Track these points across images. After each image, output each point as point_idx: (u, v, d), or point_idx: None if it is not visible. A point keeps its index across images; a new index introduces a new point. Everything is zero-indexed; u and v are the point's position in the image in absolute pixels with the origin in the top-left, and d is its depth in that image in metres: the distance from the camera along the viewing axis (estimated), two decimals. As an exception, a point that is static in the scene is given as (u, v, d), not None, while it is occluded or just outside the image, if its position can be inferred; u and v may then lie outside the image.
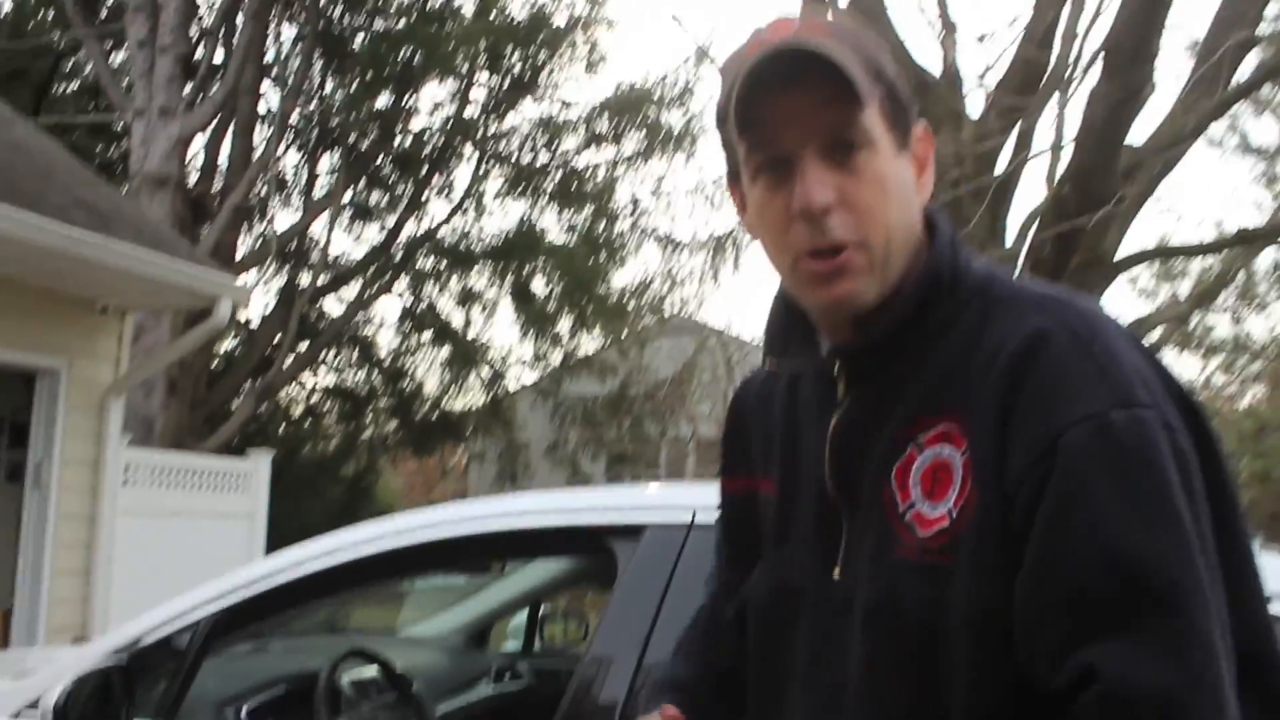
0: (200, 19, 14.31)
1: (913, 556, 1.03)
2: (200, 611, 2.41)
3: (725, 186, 1.24)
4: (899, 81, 1.13)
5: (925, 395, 1.07)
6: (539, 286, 15.84)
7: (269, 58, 14.15)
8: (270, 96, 14.47)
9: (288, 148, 14.70)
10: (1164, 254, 10.95)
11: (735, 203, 1.21)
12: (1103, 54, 5.37)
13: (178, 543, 8.39)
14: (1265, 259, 14.64)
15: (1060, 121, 7.48)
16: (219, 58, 13.55)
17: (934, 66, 7.67)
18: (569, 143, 15.67)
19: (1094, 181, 5.43)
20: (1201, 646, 0.92)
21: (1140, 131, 6.43)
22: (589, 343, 16.07)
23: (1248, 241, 7.57)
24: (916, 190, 1.13)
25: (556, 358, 16.15)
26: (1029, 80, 6.73)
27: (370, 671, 2.80)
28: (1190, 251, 10.48)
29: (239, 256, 13.69)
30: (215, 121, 13.12)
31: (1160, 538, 0.94)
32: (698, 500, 2.14)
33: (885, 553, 1.06)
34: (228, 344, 15.09)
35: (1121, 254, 6.75)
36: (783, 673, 1.15)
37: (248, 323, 14.70)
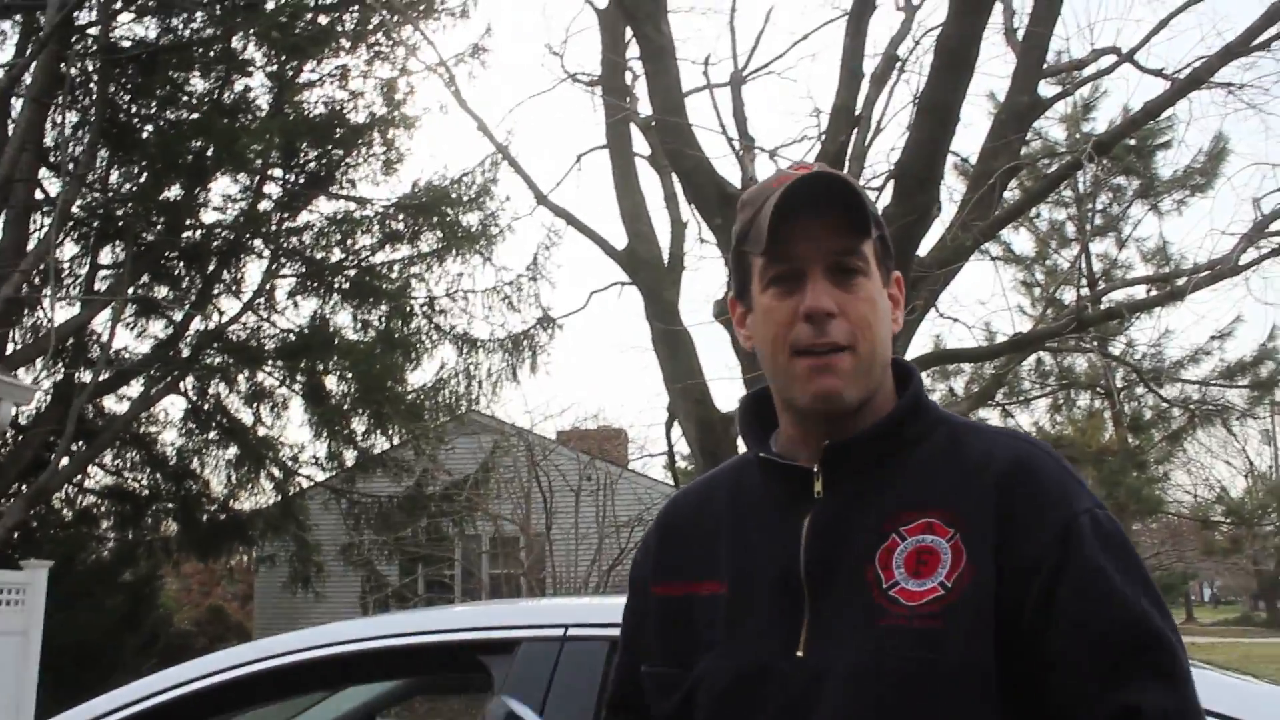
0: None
1: (904, 623, 1.23)
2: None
3: (727, 302, 1.48)
4: (885, 231, 1.39)
5: (904, 494, 1.30)
6: (332, 384, 15.52)
7: (49, 143, 13.58)
8: (49, 184, 13.88)
9: (66, 238, 14.04)
10: (949, 359, 11.76)
11: (734, 317, 1.46)
12: (893, 178, 5.84)
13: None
14: (1029, 361, 15.89)
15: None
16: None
17: (734, 178, 8.13)
18: (364, 240, 15.52)
19: (887, 295, 5.85)
20: (1188, 678, 1.21)
21: (923, 246, 6.98)
22: (384, 441, 15.79)
23: (1021, 346, 8.27)
24: (891, 321, 1.38)
25: (350, 456, 15.80)
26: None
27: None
28: (972, 356, 11.29)
29: (9, 351, 12.93)
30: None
31: (1149, 600, 1.23)
32: (569, 616, 2.24)
33: (870, 623, 1.24)
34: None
35: (909, 357, 7.27)
36: None
37: (16, 420, 13.82)
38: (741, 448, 1.53)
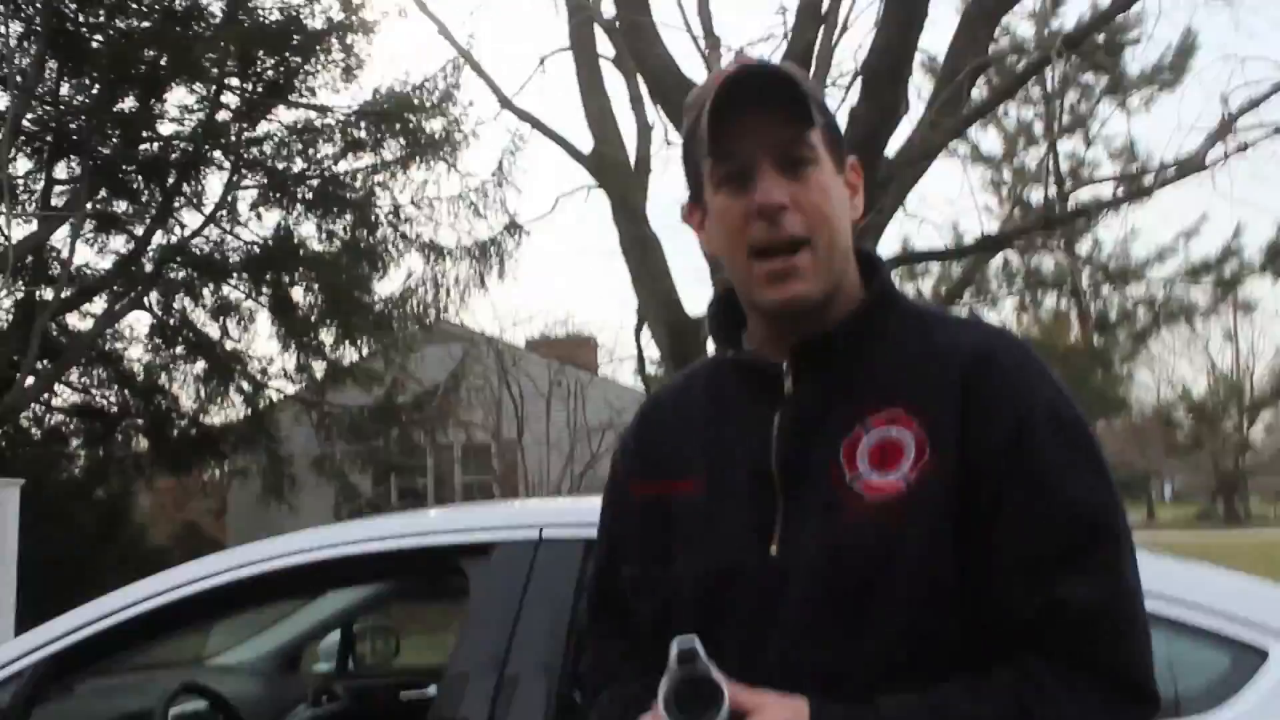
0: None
1: (860, 518, 1.24)
2: (25, 661, 2.34)
3: (685, 209, 1.45)
4: (833, 118, 1.38)
5: (871, 388, 1.30)
6: (299, 296, 15.39)
7: (-6, 56, 13.21)
8: (-3, 98, 13.52)
9: (18, 153, 13.74)
10: (916, 259, 11.80)
11: (693, 223, 1.43)
12: (861, 77, 5.79)
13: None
14: (996, 260, 15.97)
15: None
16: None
17: (700, 78, 8.03)
18: (326, 149, 15.20)
19: (855, 195, 5.84)
20: (1128, 570, 1.23)
21: (891, 145, 6.95)
22: (353, 352, 15.74)
23: (989, 247, 8.30)
24: (849, 209, 1.35)
25: (320, 368, 15.75)
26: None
27: (200, 705, 2.77)
28: (940, 256, 11.33)
29: (-34, 271, 12.72)
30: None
31: (1100, 490, 1.23)
32: (544, 518, 2.26)
33: (833, 518, 1.25)
34: (-47, 364, 13.97)
35: (876, 260, 7.28)
36: (721, 646, 1.26)
37: (-22, 341, 13.66)
38: (712, 349, 1.52)
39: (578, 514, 2.17)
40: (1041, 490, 1.21)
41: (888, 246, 14.18)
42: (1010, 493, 1.21)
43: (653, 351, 13.71)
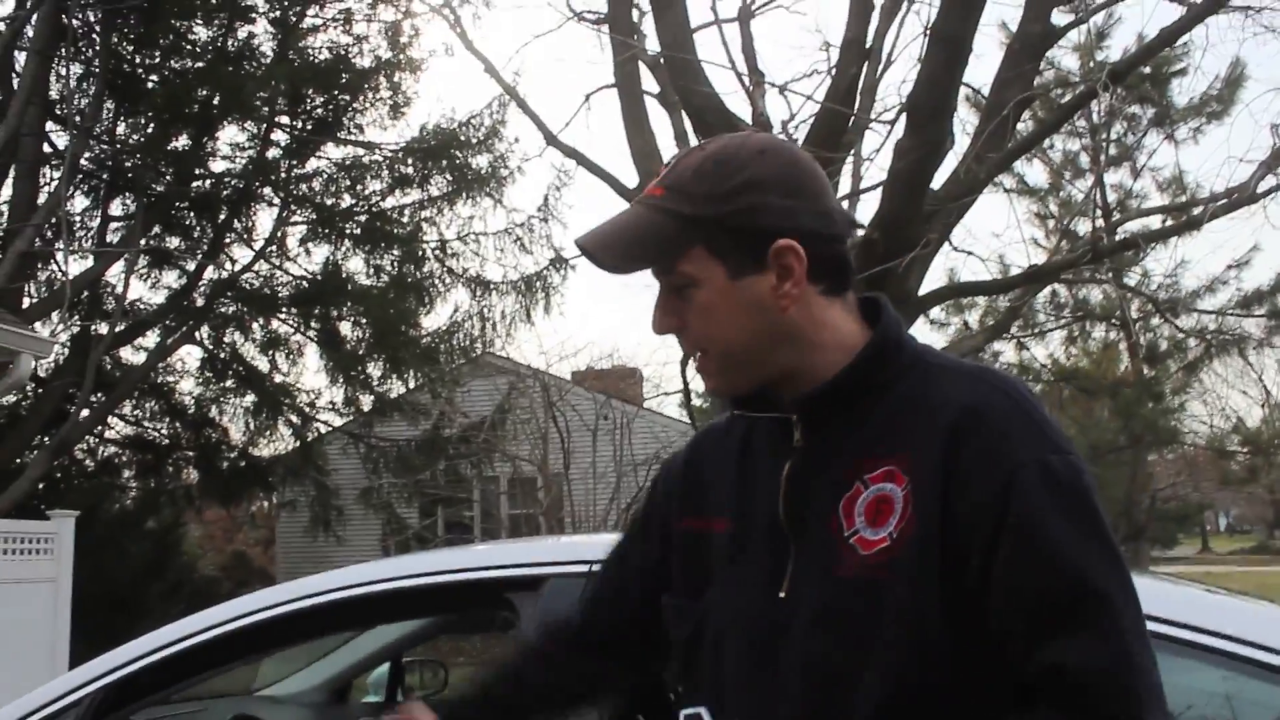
0: (-25, 56, 13.60)
1: (852, 573, 1.25)
2: (83, 691, 2.38)
3: None
4: (740, 214, 1.32)
5: (871, 442, 1.30)
6: (347, 330, 15.58)
7: (54, 96, 13.53)
8: (57, 137, 13.85)
9: (76, 190, 14.06)
10: (964, 291, 11.72)
11: None
12: (905, 112, 5.80)
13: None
14: (1044, 293, 15.83)
15: (856, 171, 7.98)
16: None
17: (745, 114, 8.07)
18: (374, 185, 15.46)
19: (902, 227, 5.86)
20: (1127, 633, 1.18)
21: (936, 179, 6.94)
22: (400, 385, 15.88)
23: (1036, 279, 8.25)
24: (778, 298, 1.32)
25: (367, 401, 15.89)
26: (833, 131, 7.17)
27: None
28: (988, 289, 11.24)
29: (25, 305, 12.99)
30: (-4, 164, 12.48)
31: (1097, 551, 1.21)
32: (593, 552, 2.27)
33: (829, 572, 1.28)
34: (10, 397, 14.24)
35: (923, 291, 7.25)
36: (728, 685, 1.33)
37: (35, 373, 13.92)
38: None
39: (627, 549, 2.17)
40: (1029, 551, 1.19)
41: (934, 280, 14.15)
42: (998, 554, 1.20)
43: (698, 385, 13.70)
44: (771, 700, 1.29)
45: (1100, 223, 11.19)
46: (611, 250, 1.36)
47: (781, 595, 1.31)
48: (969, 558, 1.21)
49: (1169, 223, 9.60)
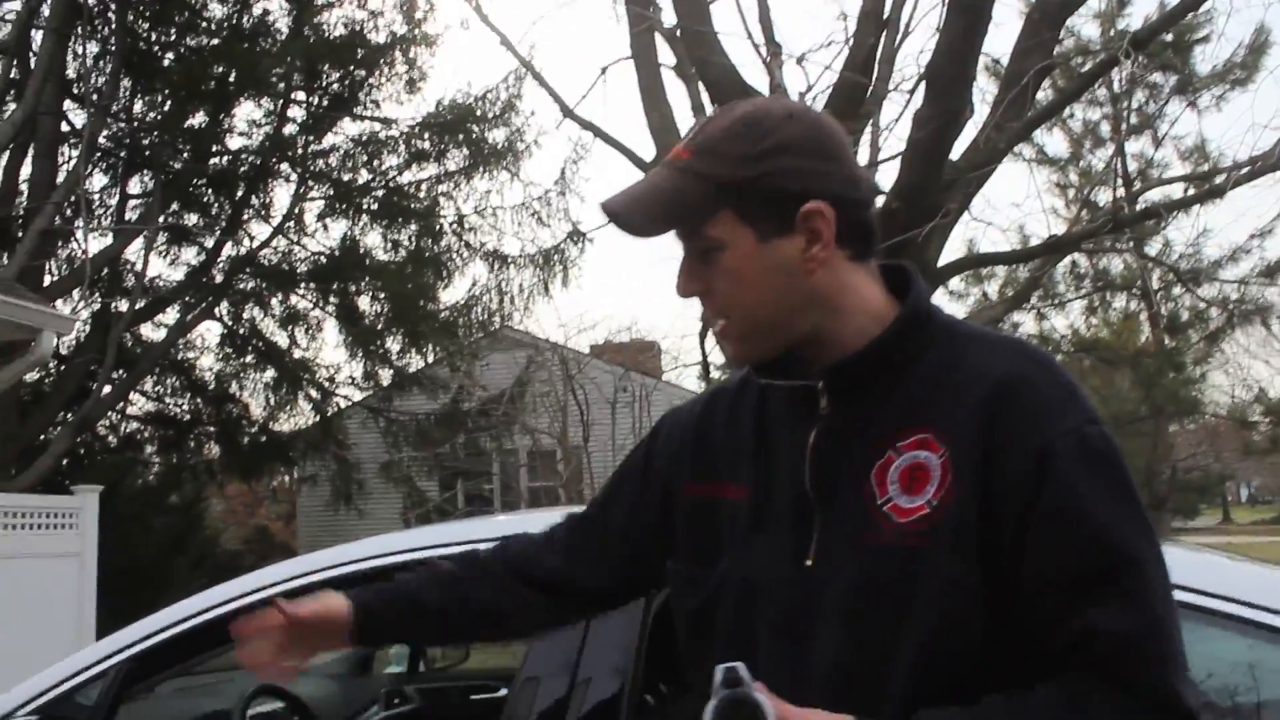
0: (-8, 34, 13.65)
1: (891, 540, 1.25)
2: (111, 661, 2.41)
3: None
4: (768, 177, 1.31)
5: (902, 410, 1.30)
6: (365, 304, 15.64)
7: (71, 74, 13.57)
8: (74, 115, 13.90)
9: (94, 169, 14.12)
10: (984, 262, 11.66)
11: None
12: (924, 81, 5.75)
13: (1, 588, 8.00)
14: (1064, 263, 15.75)
15: (875, 141, 7.92)
16: (15, 74, 12.94)
17: (762, 85, 8.02)
18: (391, 160, 15.49)
19: (921, 197, 5.82)
20: (1158, 600, 1.21)
21: (955, 148, 6.89)
22: (419, 360, 15.94)
23: (1057, 249, 8.20)
24: (805, 262, 1.32)
25: (386, 375, 15.96)
26: (851, 102, 7.12)
27: (277, 706, 2.83)
28: (1008, 259, 11.19)
29: (46, 283, 13.08)
30: (14, 143, 12.52)
31: (1128, 520, 1.23)
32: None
33: (863, 539, 1.27)
34: (33, 374, 14.35)
35: (943, 262, 7.21)
36: (756, 654, 1.31)
37: (57, 350, 14.02)
38: None
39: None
40: (1066, 519, 1.21)
41: (953, 250, 14.08)
42: (1035, 521, 1.21)
43: (717, 357, 13.70)
44: (806, 669, 1.28)
45: (1121, 192, 11.13)
46: (639, 214, 1.34)
47: (808, 563, 1.31)
48: (1005, 525, 1.22)
49: (1191, 191, 9.49)
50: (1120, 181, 17.42)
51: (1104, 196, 13.00)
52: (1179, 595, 1.26)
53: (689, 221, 1.33)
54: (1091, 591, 1.19)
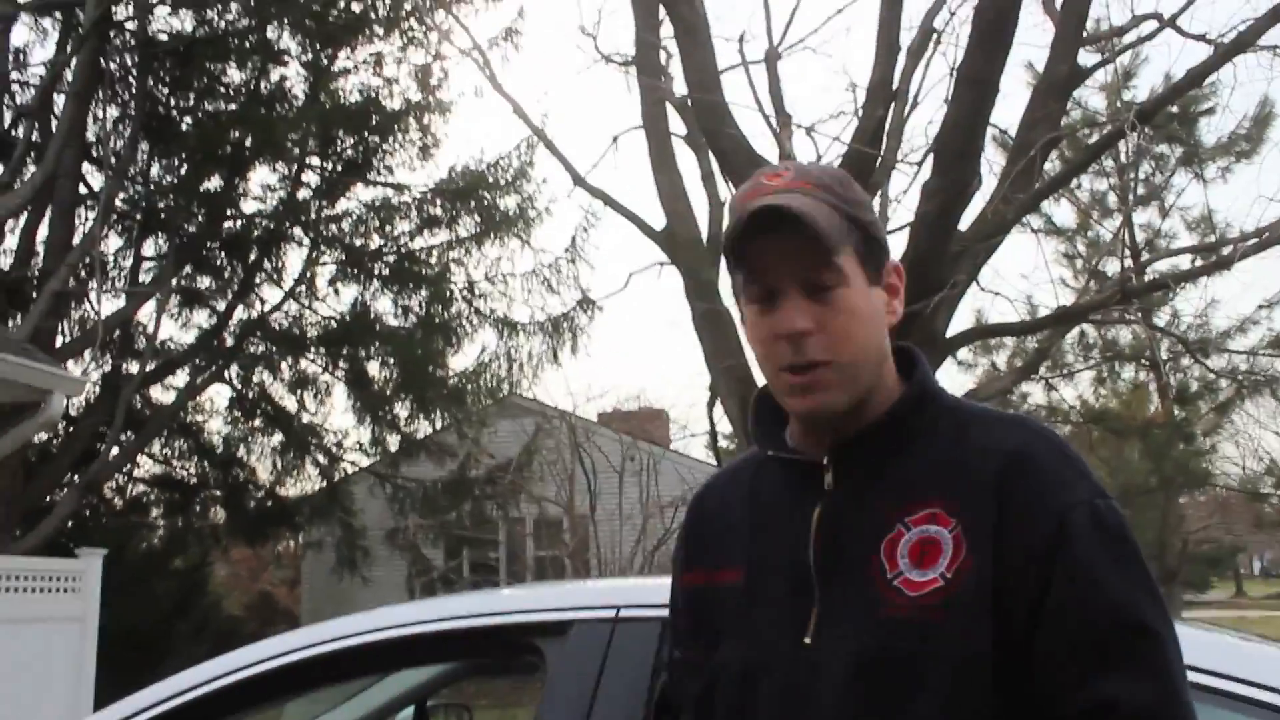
0: (15, 96, 13.84)
1: (904, 614, 1.24)
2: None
3: (735, 298, 1.47)
4: (874, 225, 1.37)
5: (908, 486, 1.31)
6: (375, 370, 15.65)
7: (91, 138, 13.75)
8: (92, 178, 14.06)
9: (110, 231, 14.24)
10: (992, 332, 11.65)
11: (740, 310, 1.45)
12: (933, 152, 5.79)
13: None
14: (1073, 333, 15.74)
15: (883, 212, 7.96)
16: (36, 137, 13.12)
17: (771, 155, 8.09)
18: (403, 226, 15.58)
19: (929, 269, 5.83)
20: (1174, 671, 1.22)
21: (964, 219, 6.93)
22: (427, 426, 15.92)
23: (1065, 320, 8.21)
24: (887, 315, 1.37)
25: (394, 442, 15.93)
26: (860, 173, 7.17)
27: None
28: (1016, 330, 11.18)
29: (58, 344, 13.13)
30: (32, 205, 12.66)
31: (1141, 592, 1.24)
32: (621, 597, 2.25)
33: (874, 613, 1.26)
34: (41, 435, 14.35)
35: (951, 332, 7.21)
36: None
37: (67, 411, 14.03)
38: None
39: (655, 593, 2.15)
40: (1084, 591, 1.21)
41: (962, 321, 14.09)
42: (1051, 594, 1.21)
43: (725, 426, 13.66)
44: None
45: (1129, 262, 11.14)
46: (821, 220, 1.30)
47: (807, 641, 1.29)
48: (1020, 596, 1.22)
49: (1198, 262, 9.51)
50: (1128, 252, 17.45)
51: (1112, 267, 13.05)
52: (1191, 676, 1.25)
53: (833, 248, 1.30)
54: (1109, 661, 1.19)
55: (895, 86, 7.85)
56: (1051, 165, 8.45)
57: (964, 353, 17.97)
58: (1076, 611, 1.21)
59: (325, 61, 14.65)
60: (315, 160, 15.06)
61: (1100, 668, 1.19)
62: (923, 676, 1.21)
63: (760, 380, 1.43)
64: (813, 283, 1.31)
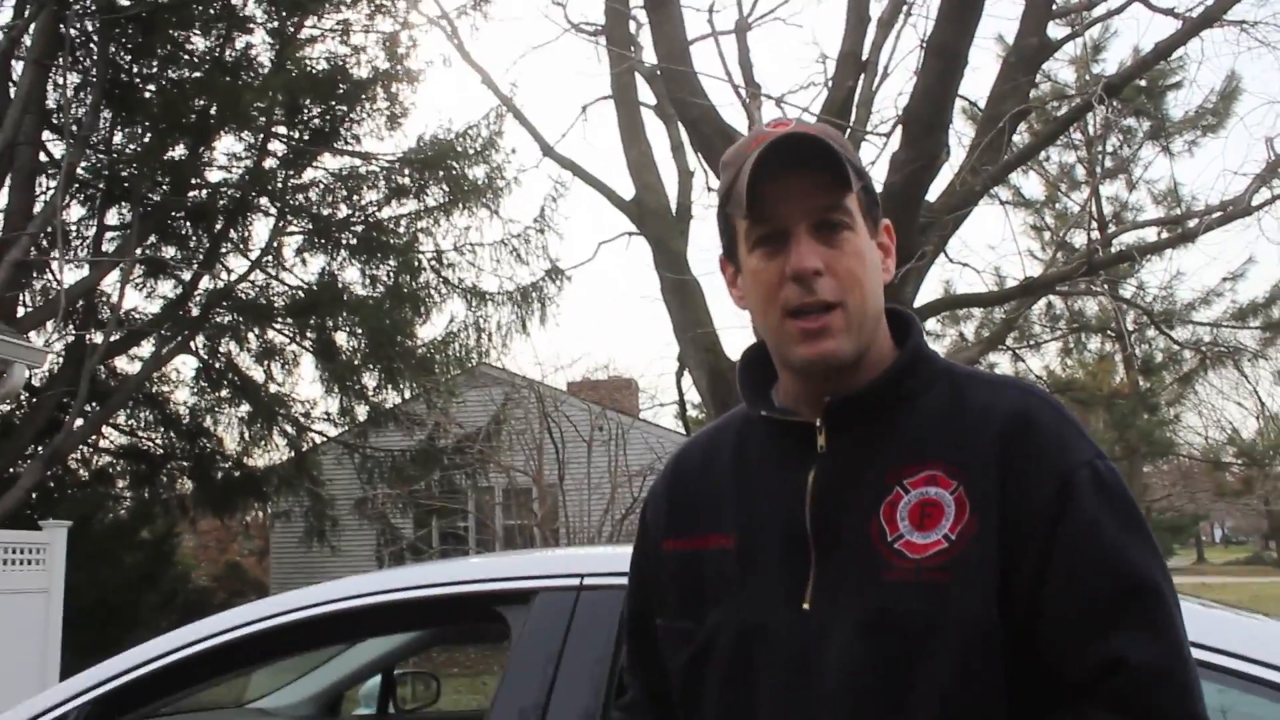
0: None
1: (909, 577, 1.24)
2: (71, 704, 2.36)
3: (719, 263, 1.47)
4: (870, 181, 1.39)
5: (905, 448, 1.30)
6: (342, 340, 15.57)
7: (51, 105, 13.53)
8: (53, 146, 13.85)
9: (72, 200, 14.05)
10: (960, 303, 11.74)
11: (726, 278, 1.46)
12: (901, 124, 5.80)
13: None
14: (1039, 304, 15.86)
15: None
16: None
17: (741, 126, 8.08)
18: (370, 195, 15.48)
19: (898, 240, 5.84)
20: (1177, 627, 1.23)
21: (932, 191, 6.95)
22: (395, 396, 15.86)
23: (1032, 291, 8.27)
24: (882, 270, 1.37)
25: (362, 412, 15.87)
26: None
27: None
28: (984, 301, 11.26)
29: (20, 315, 12.97)
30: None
31: (1144, 551, 1.25)
32: (585, 566, 2.26)
33: (876, 577, 1.26)
34: (3, 407, 14.19)
35: (919, 303, 7.25)
36: (752, 699, 1.29)
37: (29, 383, 13.88)
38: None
39: (619, 562, 2.16)
40: (1089, 550, 1.22)
41: (930, 292, 14.17)
42: (1057, 553, 1.22)
43: (694, 396, 13.71)
44: (814, 709, 1.25)
45: (1096, 235, 11.21)
46: (831, 145, 1.30)
47: (805, 607, 1.28)
48: (1026, 556, 1.23)
49: (1164, 235, 9.60)
50: (1095, 224, 17.56)
51: (1079, 239, 13.13)
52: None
53: (849, 183, 1.31)
54: (1115, 619, 1.20)
55: (865, 58, 7.85)
56: (1020, 137, 8.49)
57: (932, 323, 18.06)
58: (1083, 570, 1.22)
59: (291, 29, 14.47)
60: (282, 129, 14.91)
61: (1107, 626, 1.20)
62: (929, 639, 1.21)
63: (732, 354, 1.43)
64: (825, 221, 1.31)
